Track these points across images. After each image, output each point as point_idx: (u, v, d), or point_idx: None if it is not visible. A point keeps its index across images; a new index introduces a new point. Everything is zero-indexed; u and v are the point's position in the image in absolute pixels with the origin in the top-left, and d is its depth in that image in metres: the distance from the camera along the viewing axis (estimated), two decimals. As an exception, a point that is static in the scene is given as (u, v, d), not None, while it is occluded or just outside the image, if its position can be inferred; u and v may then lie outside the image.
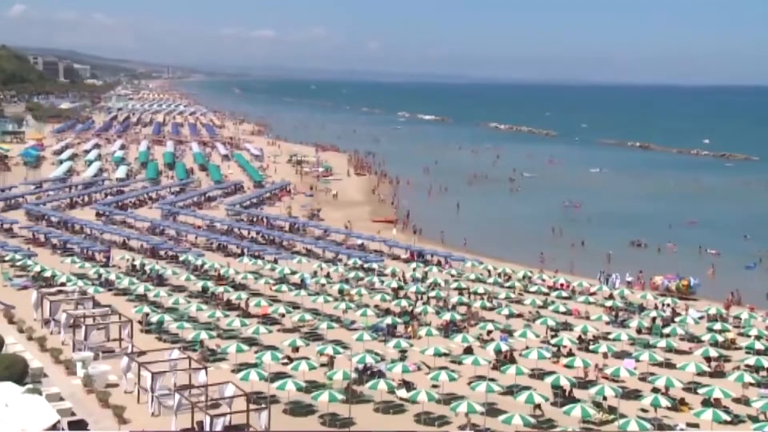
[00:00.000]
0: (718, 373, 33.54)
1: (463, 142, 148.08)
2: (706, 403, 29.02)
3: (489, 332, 38.08)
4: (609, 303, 44.71)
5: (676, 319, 41.44)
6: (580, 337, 37.70)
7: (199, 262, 49.80)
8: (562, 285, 48.72)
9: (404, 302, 42.03)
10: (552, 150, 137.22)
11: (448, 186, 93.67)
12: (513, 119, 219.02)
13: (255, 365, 30.51)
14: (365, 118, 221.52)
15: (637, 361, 33.40)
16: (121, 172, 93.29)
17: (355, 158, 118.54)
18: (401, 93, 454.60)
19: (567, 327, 40.17)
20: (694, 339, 38.75)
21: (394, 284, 46.44)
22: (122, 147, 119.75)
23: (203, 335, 34.22)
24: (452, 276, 50.56)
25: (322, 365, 31.88)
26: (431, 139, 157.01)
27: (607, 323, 40.76)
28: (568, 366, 32.50)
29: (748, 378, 31.12)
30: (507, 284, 48.63)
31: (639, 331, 39.67)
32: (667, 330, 39.09)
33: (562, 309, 42.30)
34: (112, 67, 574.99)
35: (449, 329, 38.67)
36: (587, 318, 41.77)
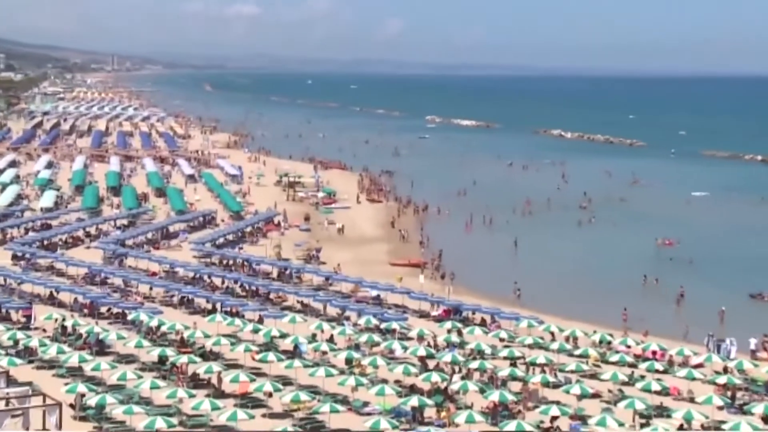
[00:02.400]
0: None
1: (514, 157, 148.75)
2: None
3: (554, 419, 37.80)
4: (722, 379, 44.03)
5: (821, 403, 41.10)
6: (681, 427, 37.36)
7: (154, 323, 50.06)
8: (654, 353, 48.66)
9: (436, 376, 42.04)
10: (639, 166, 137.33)
11: (495, 216, 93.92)
12: (584, 125, 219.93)
13: (230, 465, 30.44)
14: (381, 124, 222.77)
15: (764, 461, 33.19)
16: (48, 199, 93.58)
17: (367, 179, 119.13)
18: (430, 90, 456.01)
19: (663, 412, 39.86)
20: None
21: (422, 351, 46.62)
22: (49, 165, 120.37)
23: (160, 423, 34.14)
24: (502, 340, 50.77)
25: (324, 465, 31.99)
26: (471, 153, 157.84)
27: (721, 408, 40.39)
28: (666, 467, 32.38)
29: None
30: (578, 352, 48.64)
31: (767, 420, 39.26)
32: (807, 419, 38.77)
33: (655, 387, 41.92)
34: (36, 56, 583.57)
35: (498, 414, 38.53)
36: (691, 400, 41.42)
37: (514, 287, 64.98)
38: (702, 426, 37.76)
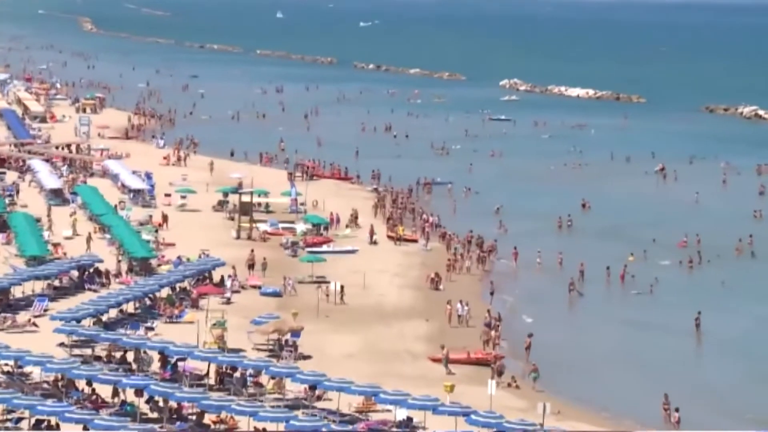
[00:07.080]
0: None
1: (666, 155, 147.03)
2: None
3: None
4: None
5: None
6: None
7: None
8: None
9: None
10: None
11: (629, 268, 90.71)
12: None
13: None
14: (416, 97, 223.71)
15: None
16: None
17: (390, 198, 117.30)
18: (505, 31, 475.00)
19: None
20: None
21: None
22: None
23: None
24: None
25: None
26: (586, 149, 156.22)
27: None
28: None
29: None
30: None
31: None
32: None
33: None
34: None
35: None
36: None
37: (614, 401, 64.49)
38: None
